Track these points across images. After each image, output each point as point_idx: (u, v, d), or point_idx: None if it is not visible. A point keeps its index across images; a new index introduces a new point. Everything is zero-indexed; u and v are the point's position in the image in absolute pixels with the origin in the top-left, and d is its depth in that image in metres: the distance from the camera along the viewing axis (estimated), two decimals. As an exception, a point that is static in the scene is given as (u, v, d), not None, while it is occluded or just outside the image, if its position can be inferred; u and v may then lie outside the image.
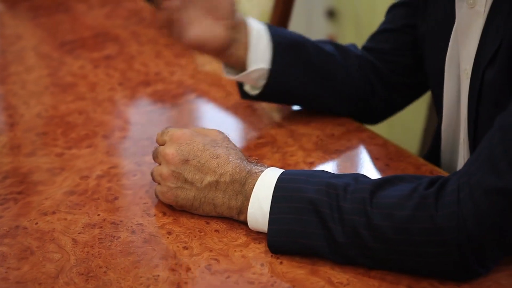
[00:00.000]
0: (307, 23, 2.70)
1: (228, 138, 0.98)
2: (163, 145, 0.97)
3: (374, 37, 1.22)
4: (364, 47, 1.23)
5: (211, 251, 0.91)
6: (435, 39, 1.07)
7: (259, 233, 0.93)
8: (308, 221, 0.88)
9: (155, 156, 0.98)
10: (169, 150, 0.95)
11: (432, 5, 1.08)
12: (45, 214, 0.98)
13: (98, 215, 0.97)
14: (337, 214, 0.86)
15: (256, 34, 1.09)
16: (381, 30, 1.21)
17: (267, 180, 0.91)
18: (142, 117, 1.22)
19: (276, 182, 0.90)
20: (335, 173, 0.93)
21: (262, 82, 1.11)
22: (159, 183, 0.97)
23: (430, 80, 1.13)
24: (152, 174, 0.99)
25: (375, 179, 0.89)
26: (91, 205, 0.99)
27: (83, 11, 1.64)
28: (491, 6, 0.94)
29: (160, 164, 0.97)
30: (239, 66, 1.11)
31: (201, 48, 1.08)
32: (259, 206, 0.90)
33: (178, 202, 0.95)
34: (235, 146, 0.97)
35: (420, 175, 0.91)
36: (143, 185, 1.03)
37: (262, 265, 0.89)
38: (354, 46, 1.22)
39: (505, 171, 0.81)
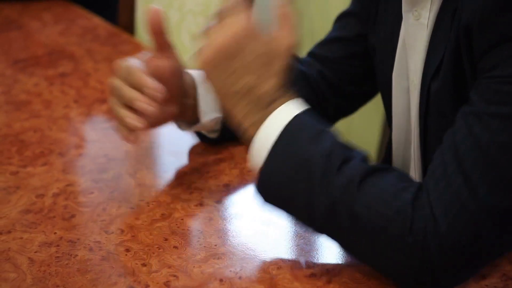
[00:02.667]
0: (262, 39, 2.72)
1: (285, 57, 0.91)
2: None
3: (323, 45, 1.22)
4: (311, 53, 1.23)
5: (170, 267, 0.90)
6: (384, 50, 1.09)
7: (218, 248, 0.93)
8: (299, 177, 0.87)
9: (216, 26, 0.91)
10: (236, 29, 0.90)
11: (381, 17, 1.10)
12: (0, 233, 0.96)
13: (55, 233, 0.96)
14: (325, 184, 0.86)
15: (202, 85, 1.09)
16: (331, 38, 1.21)
17: (282, 115, 0.90)
18: (98, 134, 1.22)
19: (288, 122, 0.89)
20: (344, 142, 0.91)
21: (217, 127, 1.12)
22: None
23: (381, 91, 1.14)
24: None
25: (372, 164, 0.89)
26: (48, 224, 0.98)
27: (37, 28, 1.63)
28: (436, 18, 0.96)
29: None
30: (191, 117, 1.10)
31: (157, 126, 1.08)
32: (266, 139, 0.89)
33: (209, 74, 0.92)
34: (286, 68, 0.92)
35: (409, 175, 0.91)
36: (100, 202, 1.02)
37: (221, 280, 0.89)
38: (296, 59, 1.21)
39: (461, 189, 0.82)
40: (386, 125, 1.94)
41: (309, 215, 0.88)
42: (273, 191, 0.90)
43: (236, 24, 0.90)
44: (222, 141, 1.15)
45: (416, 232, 0.83)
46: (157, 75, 1.03)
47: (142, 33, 1.68)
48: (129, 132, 1.01)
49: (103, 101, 1.31)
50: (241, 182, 1.08)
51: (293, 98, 0.92)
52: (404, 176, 0.89)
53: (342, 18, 1.22)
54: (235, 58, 0.90)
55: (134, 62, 1.02)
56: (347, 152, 0.89)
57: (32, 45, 1.54)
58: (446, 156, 0.85)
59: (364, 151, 0.92)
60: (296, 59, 1.22)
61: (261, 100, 0.91)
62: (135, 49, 1.55)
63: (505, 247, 0.88)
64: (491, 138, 0.83)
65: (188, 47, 1.58)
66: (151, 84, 0.98)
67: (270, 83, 0.91)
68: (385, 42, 1.08)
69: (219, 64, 0.90)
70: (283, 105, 0.91)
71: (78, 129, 1.23)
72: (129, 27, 1.70)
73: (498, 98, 0.83)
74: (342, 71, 1.20)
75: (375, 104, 1.38)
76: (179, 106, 1.08)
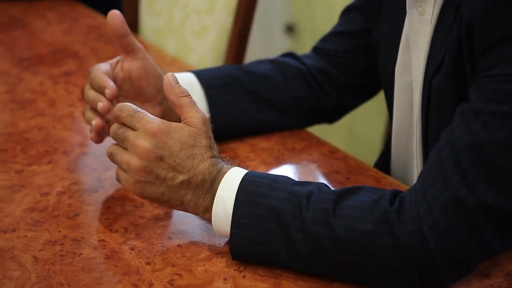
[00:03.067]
0: (266, 38, 2.72)
1: (205, 130, 0.93)
2: (130, 128, 0.92)
3: (327, 39, 1.24)
4: (315, 48, 1.24)
5: (174, 266, 0.91)
6: (387, 45, 1.09)
7: (221, 247, 0.93)
8: (270, 230, 0.88)
9: (120, 139, 0.93)
10: (144, 144, 0.90)
11: (386, 12, 1.10)
12: (5, 231, 0.96)
13: (59, 231, 0.96)
14: (299, 224, 0.87)
15: (186, 87, 1.09)
16: (336, 32, 1.23)
17: (231, 180, 0.91)
18: (103, 133, 1.22)
19: (240, 184, 0.90)
20: (299, 180, 0.93)
21: None
22: (123, 170, 0.93)
23: (383, 85, 1.14)
24: (113, 156, 0.94)
25: (337, 189, 0.90)
26: (52, 222, 0.98)
27: (41, 27, 1.63)
28: (439, 15, 0.96)
29: (123, 147, 0.93)
30: (178, 118, 1.10)
31: None
32: (223, 208, 0.90)
33: (144, 195, 0.92)
34: (211, 139, 0.94)
35: (380, 188, 0.92)
36: (105, 201, 1.03)
37: (225, 279, 0.89)
38: (293, 56, 1.23)
39: (459, 186, 0.83)
40: (389, 126, 1.94)
41: (292, 258, 0.88)
42: (250, 253, 0.90)
43: (149, 126, 0.91)
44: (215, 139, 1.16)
45: (411, 234, 0.83)
46: (124, 77, 1.05)
47: (146, 32, 1.68)
48: (94, 133, 1.03)
49: (108, 100, 1.31)
50: (245, 181, 1.08)
51: (231, 166, 0.93)
52: (373, 190, 0.90)
53: (346, 12, 1.23)
54: (163, 157, 0.90)
55: (100, 66, 1.04)
56: (306, 188, 0.89)
57: (37, 44, 1.54)
58: (443, 153, 0.85)
59: (319, 182, 0.92)
60: (295, 56, 1.23)
61: (204, 183, 0.91)
62: (139, 48, 1.55)
63: (503, 244, 0.88)
64: (489, 136, 0.83)
65: (192, 46, 1.59)
66: (109, 85, 1.00)
67: (205, 164, 0.91)
68: (389, 36, 1.08)
69: (152, 170, 0.91)
70: (225, 177, 0.91)
71: (82, 127, 1.23)
72: (133, 26, 1.70)
73: (497, 97, 0.83)
74: (343, 65, 1.20)
75: (379, 103, 1.38)
76: (161, 107, 1.09)
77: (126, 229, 0.97)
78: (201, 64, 1.56)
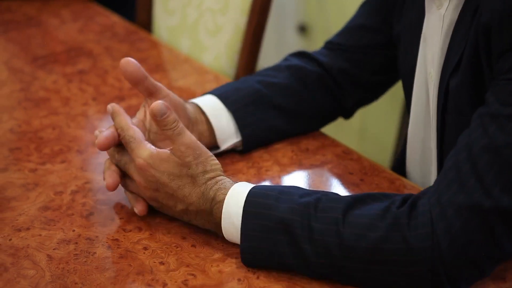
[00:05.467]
0: (279, 38, 2.72)
1: (189, 161, 0.93)
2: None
3: (347, 32, 1.20)
4: (330, 43, 1.21)
5: (187, 266, 0.91)
6: (408, 39, 1.08)
7: (235, 247, 0.93)
8: (279, 241, 0.88)
9: (127, 168, 0.98)
10: (138, 178, 0.96)
11: (408, 5, 1.08)
12: (19, 230, 0.97)
13: (73, 230, 0.97)
14: (308, 234, 0.86)
15: (212, 112, 1.09)
16: (356, 25, 1.19)
17: (236, 195, 0.91)
18: (116, 132, 1.21)
19: (247, 197, 0.90)
20: (306, 189, 0.93)
21: (239, 147, 1.13)
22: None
23: (402, 81, 1.13)
24: (127, 188, 1.00)
25: (347, 197, 0.89)
26: (66, 221, 0.98)
27: (55, 25, 1.63)
28: (458, 14, 0.95)
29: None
30: (209, 141, 1.10)
31: None
32: (231, 222, 0.91)
33: (164, 213, 0.98)
34: (198, 166, 0.93)
35: (391, 193, 0.91)
36: (119, 200, 1.03)
37: (239, 280, 0.89)
38: (307, 56, 1.21)
39: (474, 189, 0.82)
40: (403, 126, 1.93)
41: (304, 268, 0.88)
42: (260, 262, 0.90)
43: (136, 161, 0.94)
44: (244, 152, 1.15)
45: (422, 238, 0.83)
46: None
47: (160, 30, 1.68)
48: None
49: (121, 98, 1.31)
50: (259, 181, 1.08)
51: (230, 184, 0.93)
52: (383, 197, 0.89)
53: (367, 3, 1.19)
54: (158, 189, 0.94)
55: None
56: (313, 197, 0.89)
57: (51, 42, 1.55)
58: (460, 157, 0.85)
59: (326, 191, 0.92)
60: (309, 56, 1.21)
61: (202, 213, 0.93)
62: (153, 46, 1.55)
63: None
64: (506, 139, 0.82)
65: (206, 45, 1.58)
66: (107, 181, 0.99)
67: (194, 197, 0.93)
68: (410, 31, 1.07)
69: (156, 199, 0.95)
70: (230, 191, 0.92)
71: (96, 126, 1.23)
72: (147, 24, 1.70)
73: None
74: (362, 62, 1.18)
75: (392, 102, 1.38)
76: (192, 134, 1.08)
77: (140, 229, 0.97)
78: (215, 63, 1.56)
